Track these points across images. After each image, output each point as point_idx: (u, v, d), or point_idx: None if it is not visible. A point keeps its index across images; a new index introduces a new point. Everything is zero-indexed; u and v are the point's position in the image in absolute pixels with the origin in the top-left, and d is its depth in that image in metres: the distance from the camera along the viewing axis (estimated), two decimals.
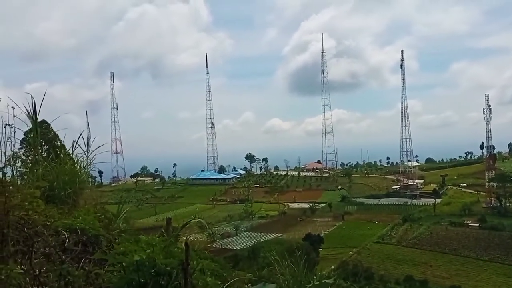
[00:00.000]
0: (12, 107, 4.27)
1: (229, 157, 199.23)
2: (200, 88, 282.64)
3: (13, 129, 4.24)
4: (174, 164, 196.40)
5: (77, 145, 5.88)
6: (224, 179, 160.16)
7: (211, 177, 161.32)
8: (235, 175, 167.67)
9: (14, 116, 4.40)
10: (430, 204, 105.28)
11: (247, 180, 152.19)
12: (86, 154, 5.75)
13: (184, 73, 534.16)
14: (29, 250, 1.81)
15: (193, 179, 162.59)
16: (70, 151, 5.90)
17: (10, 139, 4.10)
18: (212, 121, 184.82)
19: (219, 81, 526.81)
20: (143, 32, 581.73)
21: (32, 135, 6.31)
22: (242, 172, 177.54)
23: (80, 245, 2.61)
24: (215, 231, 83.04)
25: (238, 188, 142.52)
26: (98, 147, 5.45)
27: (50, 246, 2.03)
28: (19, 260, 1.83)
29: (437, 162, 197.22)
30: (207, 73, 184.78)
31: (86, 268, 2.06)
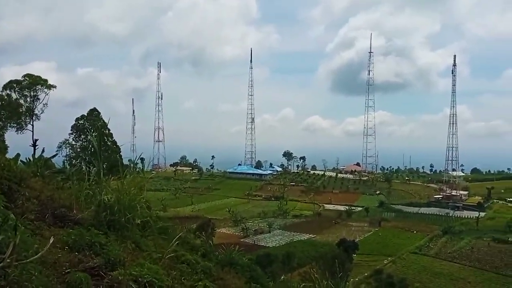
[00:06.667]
0: None
1: (266, 152, 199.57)
2: (241, 81, 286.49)
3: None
4: (213, 156, 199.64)
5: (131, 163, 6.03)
6: (261, 174, 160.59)
7: (247, 171, 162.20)
8: (271, 172, 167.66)
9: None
10: (473, 217, 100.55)
11: (283, 178, 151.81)
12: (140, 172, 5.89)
13: (228, 66, 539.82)
14: None
15: (230, 172, 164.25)
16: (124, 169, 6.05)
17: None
18: (253, 116, 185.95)
19: (261, 75, 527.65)
20: (191, 22, 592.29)
21: (82, 122, 6.59)
22: (279, 169, 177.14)
23: None
24: (249, 226, 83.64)
25: (273, 185, 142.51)
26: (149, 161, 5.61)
27: None
28: None
29: (484, 173, 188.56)
30: (251, 68, 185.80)
31: None
